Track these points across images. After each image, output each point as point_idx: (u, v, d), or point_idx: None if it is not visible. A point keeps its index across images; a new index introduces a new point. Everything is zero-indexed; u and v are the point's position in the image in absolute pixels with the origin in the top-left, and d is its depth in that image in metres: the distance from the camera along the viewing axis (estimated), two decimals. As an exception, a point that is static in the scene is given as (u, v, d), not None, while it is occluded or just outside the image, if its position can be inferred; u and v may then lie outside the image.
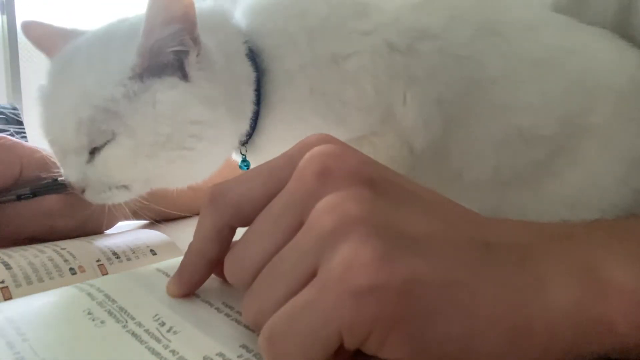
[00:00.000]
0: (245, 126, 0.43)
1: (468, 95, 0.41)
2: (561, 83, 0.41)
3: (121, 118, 0.37)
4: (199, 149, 0.40)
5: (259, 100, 0.42)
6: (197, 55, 0.38)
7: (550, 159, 0.41)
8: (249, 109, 0.42)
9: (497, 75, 0.41)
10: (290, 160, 0.26)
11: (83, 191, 0.40)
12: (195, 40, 0.38)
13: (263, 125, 0.43)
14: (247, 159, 0.46)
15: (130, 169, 0.39)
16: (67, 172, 0.40)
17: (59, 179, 0.45)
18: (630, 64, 0.42)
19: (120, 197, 0.41)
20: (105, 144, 0.38)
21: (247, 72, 0.42)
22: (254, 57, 0.42)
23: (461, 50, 0.41)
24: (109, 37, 0.40)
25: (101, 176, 0.39)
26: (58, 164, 0.41)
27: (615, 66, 0.41)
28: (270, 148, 0.44)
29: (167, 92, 0.38)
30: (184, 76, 0.39)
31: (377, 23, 0.41)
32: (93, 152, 0.39)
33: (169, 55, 0.38)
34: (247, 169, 0.46)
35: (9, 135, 0.44)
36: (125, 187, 0.41)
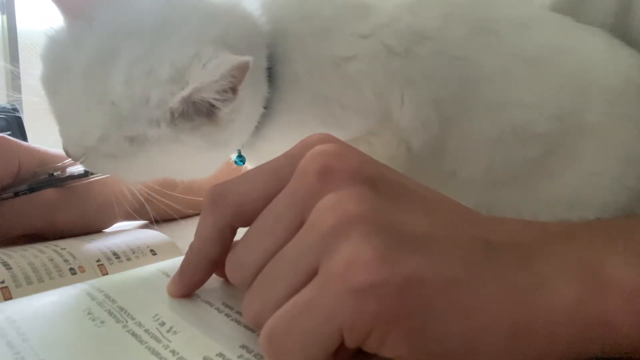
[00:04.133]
0: (248, 135, 0.43)
1: (463, 94, 0.41)
2: (555, 81, 0.41)
3: (142, 144, 0.37)
4: (206, 167, 0.42)
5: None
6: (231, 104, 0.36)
7: (544, 157, 0.41)
8: (254, 123, 0.42)
9: (491, 73, 0.41)
10: (291, 160, 0.26)
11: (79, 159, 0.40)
12: (235, 91, 0.36)
13: (264, 128, 0.43)
14: (243, 154, 0.46)
15: (133, 177, 0.41)
16: (68, 144, 0.39)
17: (55, 173, 0.45)
18: (624, 63, 0.41)
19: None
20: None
21: (263, 91, 0.41)
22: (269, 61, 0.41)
23: (456, 51, 0.41)
24: (156, 46, 0.37)
25: (103, 165, 0.39)
26: (59, 132, 0.40)
27: (609, 65, 0.41)
28: (267, 148, 0.44)
29: (191, 135, 0.37)
30: (211, 118, 0.37)
31: (375, 25, 0.41)
32: None
33: (205, 103, 0.36)
34: (242, 164, 0.46)
35: (9, 135, 0.44)
36: None
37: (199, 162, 0.41)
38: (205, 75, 0.34)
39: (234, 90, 0.36)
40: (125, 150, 0.37)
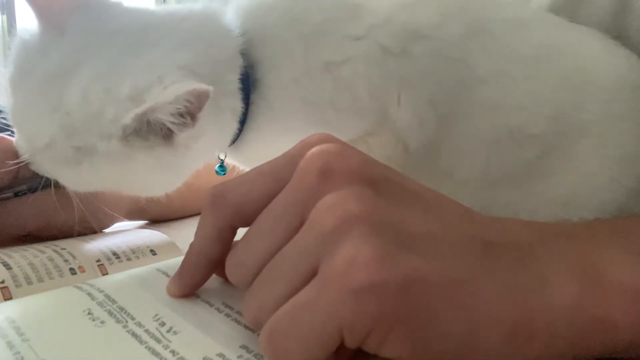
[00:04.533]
0: (223, 149, 0.43)
1: (459, 95, 0.41)
2: (551, 82, 0.41)
3: (89, 155, 0.37)
4: (158, 186, 0.42)
5: (244, 118, 0.41)
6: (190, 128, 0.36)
7: (541, 158, 0.41)
8: (229, 139, 0.42)
9: (486, 74, 0.41)
10: (291, 160, 0.26)
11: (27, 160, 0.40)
12: (193, 118, 0.36)
13: (247, 136, 0.43)
14: (227, 159, 0.46)
15: (76, 185, 0.41)
16: (19, 142, 0.40)
17: None
18: (619, 63, 0.42)
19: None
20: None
21: (235, 107, 0.40)
22: (248, 71, 0.41)
23: (452, 51, 0.41)
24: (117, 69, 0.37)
25: (49, 169, 0.39)
26: (14, 128, 0.40)
27: (604, 65, 0.41)
28: (255, 153, 0.44)
29: (144, 153, 0.37)
30: (167, 140, 0.37)
31: (369, 26, 0.41)
32: None
33: (160, 124, 0.36)
34: (224, 174, 0.46)
35: (9, 135, 0.44)
36: None
37: (150, 181, 0.40)
38: (162, 96, 0.34)
39: (192, 116, 0.35)
40: (70, 158, 0.37)
